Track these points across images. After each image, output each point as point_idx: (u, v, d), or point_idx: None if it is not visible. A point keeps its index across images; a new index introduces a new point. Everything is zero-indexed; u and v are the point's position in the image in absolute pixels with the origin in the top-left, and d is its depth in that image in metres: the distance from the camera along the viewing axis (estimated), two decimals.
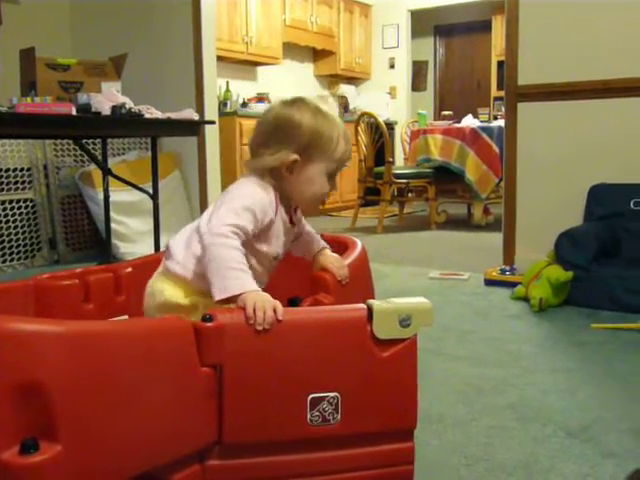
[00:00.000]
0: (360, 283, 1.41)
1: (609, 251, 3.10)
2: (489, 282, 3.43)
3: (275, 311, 1.09)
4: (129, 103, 3.03)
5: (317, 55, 7.89)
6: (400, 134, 7.33)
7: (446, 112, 6.89)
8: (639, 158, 3.24)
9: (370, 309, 1.13)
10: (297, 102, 1.38)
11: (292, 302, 1.46)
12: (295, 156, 1.33)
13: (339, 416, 1.11)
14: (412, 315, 1.14)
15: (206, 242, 1.20)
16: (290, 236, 1.45)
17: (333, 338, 1.11)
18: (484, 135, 5.56)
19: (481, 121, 6.14)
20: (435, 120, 7.63)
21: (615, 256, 3.11)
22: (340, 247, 1.53)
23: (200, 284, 1.29)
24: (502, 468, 1.53)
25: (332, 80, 8.15)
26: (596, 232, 3.10)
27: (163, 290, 1.34)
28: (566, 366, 2.22)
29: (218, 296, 1.15)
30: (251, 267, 1.25)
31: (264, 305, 1.09)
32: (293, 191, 1.37)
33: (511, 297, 3.13)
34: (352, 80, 8.37)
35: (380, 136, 5.69)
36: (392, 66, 8.47)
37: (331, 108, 1.40)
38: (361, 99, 8.08)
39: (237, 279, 1.16)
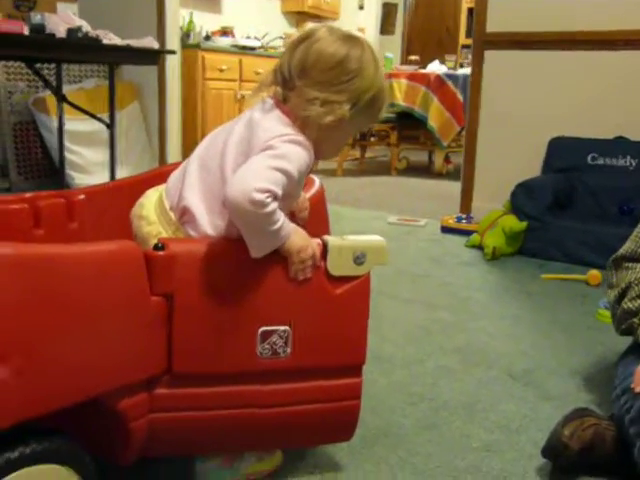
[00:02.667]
0: (316, 220, 1.40)
1: (564, 204, 3.15)
2: (445, 229, 3.46)
3: (314, 257, 1.11)
4: (86, 27, 2.92)
5: None
6: None
7: (412, 57, 6.81)
8: (600, 113, 3.27)
9: (325, 245, 1.13)
10: (364, 46, 1.14)
11: None
12: (348, 112, 1.13)
13: (289, 350, 1.12)
14: (367, 253, 1.14)
15: (239, 206, 1.00)
16: None
17: (286, 272, 1.10)
18: (449, 82, 5.53)
19: (448, 68, 6.09)
20: (401, 64, 7.53)
21: (570, 209, 3.16)
22: None
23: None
24: (445, 407, 1.57)
25: (299, 17, 7.93)
26: (552, 184, 3.14)
27: None
28: (514, 313, 2.28)
29: (256, 254, 1.06)
30: None
31: (306, 256, 1.09)
32: (323, 143, 1.17)
33: (466, 245, 3.17)
34: (319, 19, 8.16)
35: None
36: (361, 7, 8.30)
37: None
38: None
39: (275, 235, 1.06)
